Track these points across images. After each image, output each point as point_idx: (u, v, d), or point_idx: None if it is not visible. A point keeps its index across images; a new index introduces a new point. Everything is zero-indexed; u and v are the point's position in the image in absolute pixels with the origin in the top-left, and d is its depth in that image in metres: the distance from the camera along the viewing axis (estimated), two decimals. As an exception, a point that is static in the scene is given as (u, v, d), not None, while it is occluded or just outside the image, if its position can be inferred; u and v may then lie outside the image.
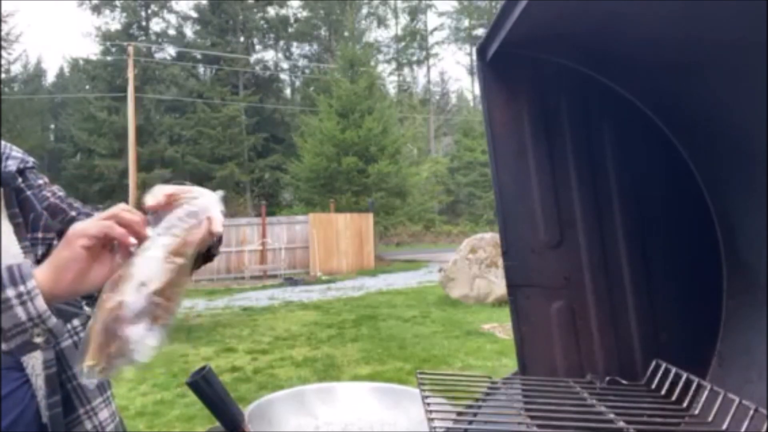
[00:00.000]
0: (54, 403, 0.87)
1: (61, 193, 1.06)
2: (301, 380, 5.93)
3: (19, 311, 0.70)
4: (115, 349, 0.71)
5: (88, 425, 0.92)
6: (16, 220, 0.94)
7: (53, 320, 0.72)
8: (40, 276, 0.73)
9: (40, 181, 1.04)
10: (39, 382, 0.86)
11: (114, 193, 28.24)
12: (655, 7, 0.96)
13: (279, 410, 1.29)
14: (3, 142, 1.00)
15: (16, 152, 1.01)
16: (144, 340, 0.73)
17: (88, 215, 0.99)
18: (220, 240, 0.99)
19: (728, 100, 1.07)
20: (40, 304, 0.71)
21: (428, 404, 0.97)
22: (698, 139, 1.22)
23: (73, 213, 1.03)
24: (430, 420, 0.91)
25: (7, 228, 0.92)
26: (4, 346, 0.71)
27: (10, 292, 0.71)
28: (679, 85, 1.16)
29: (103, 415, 0.96)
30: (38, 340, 0.72)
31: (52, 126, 41.57)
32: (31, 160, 1.04)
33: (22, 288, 0.71)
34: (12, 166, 0.97)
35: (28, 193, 0.98)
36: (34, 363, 0.87)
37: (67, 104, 36.16)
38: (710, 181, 1.23)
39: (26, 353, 0.78)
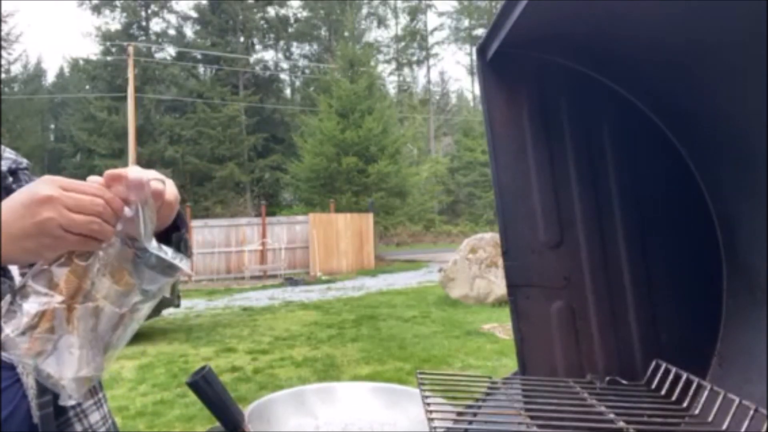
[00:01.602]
0: (45, 402, 0.86)
1: None
2: (301, 380, 5.94)
3: None
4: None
5: (78, 427, 0.91)
6: None
7: None
8: None
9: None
10: (30, 381, 0.85)
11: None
12: (655, 7, 0.96)
13: (279, 410, 1.28)
14: None
15: (9, 153, 1.02)
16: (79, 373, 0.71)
17: None
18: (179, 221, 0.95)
19: (728, 100, 1.07)
20: None
21: (428, 404, 0.97)
22: (698, 139, 1.22)
23: None
24: (430, 420, 0.91)
25: None
26: None
27: None
28: (679, 85, 1.16)
29: (94, 417, 0.95)
30: None
31: (52, 126, 41.61)
32: (24, 161, 1.04)
33: None
34: (3, 166, 0.98)
35: None
36: None
37: (67, 104, 36.20)
38: (710, 181, 1.23)
39: None
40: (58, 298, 0.69)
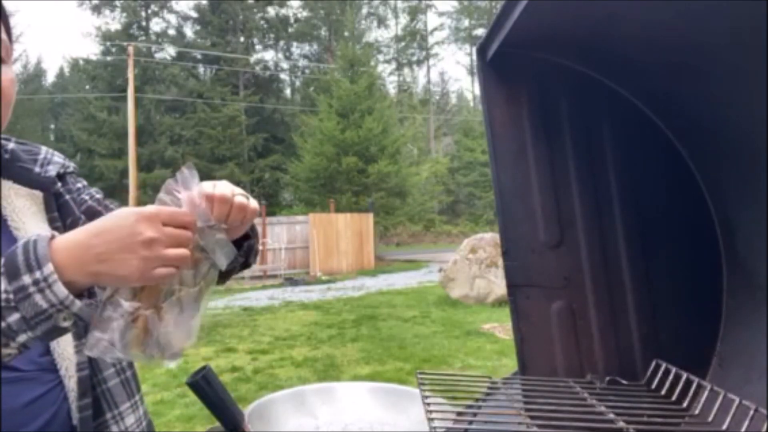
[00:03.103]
0: (85, 405, 0.88)
1: (99, 196, 1.08)
2: (301, 380, 5.93)
3: (38, 299, 0.66)
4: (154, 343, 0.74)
5: (115, 429, 0.93)
6: (56, 224, 0.96)
7: (77, 304, 0.68)
8: (67, 257, 0.69)
9: (79, 185, 1.07)
10: (71, 384, 0.87)
11: (114, 193, 28.21)
12: (655, 7, 0.96)
13: (279, 410, 1.29)
14: (45, 148, 1.04)
15: (58, 158, 1.05)
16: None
17: None
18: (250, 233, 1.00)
19: (728, 100, 1.07)
20: (60, 290, 0.67)
21: (428, 404, 0.97)
22: (698, 139, 1.22)
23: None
24: (430, 420, 0.91)
25: (46, 231, 0.93)
26: (30, 334, 0.68)
27: (26, 279, 0.66)
28: (679, 85, 1.16)
29: (129, 420, 0.97)
30: (65, 324, 0.69)
31: (52, 126, 41.63)
32: (72, 165, 1.08)
33: (38, 274, 0.67)
34: (52, 171, 1.00)
35: (67, 197, 1.01)
36: (68, 365, 0.87)
37: (67, 104, 36.17)
38: (710, 181, 1.23)
39: (55, 338, 0.75)
40: (145, 305, 0.74)
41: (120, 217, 0.72)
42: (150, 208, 0.72)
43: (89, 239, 0.71)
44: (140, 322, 0.74)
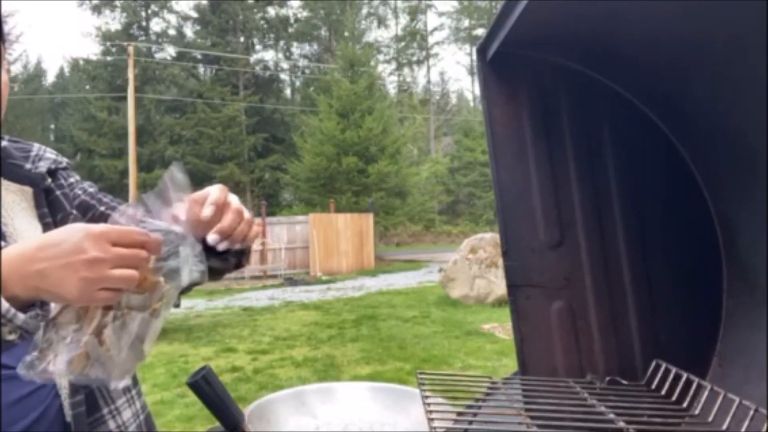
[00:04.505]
0: (77, 402, 0.87)
1: (92, 189, 1.08)
2: (301, 380, 5.93)
3: None
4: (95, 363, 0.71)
5: (112, 425, 0.93)
6: (45, 220, 0.96)
7: (20, 317, 0.66)
8: (9, 270, 0.66)
9: (72, 180, 1.06)
10: (63, 381, 0.86)
11: (114, 193, 28.17)
12: (655, 7, 0.96)
13: (279, 410, 1.28)
14: (37, 144, 1.04)
15: (49, 153, 1.04)
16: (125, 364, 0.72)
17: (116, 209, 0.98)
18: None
19: (728, 100, 1.07)
20: (1, 303, 0.64)
21: (428, 404, 0.97)
22: (698, 139, 1.22)
23: (102, 208, 1.05)
24: (430, 420, 0.91)
25: (37, 228, 0.94)
26: None
27: None
28: (679, 85, 1.16)
29: (126, 414, 0.97)
30: (11, 337, 0.67)
31: (52, 126, 41.63)
32: (64, 160, 1.07)
33: None
34: (42, 167, 1.00)
35: (58, 193, 1.01)
36: None
37: (67, 104, 36.18)
38: (710, 181, 1.23)
39: (2, 352, 0.72)
40: (86, 329, 0.70)
41: (68, 232, 0.68)
42: (99, 227, 0.68)
43: (34, 252, 0.67)
44: (81, 345, 0.70)
